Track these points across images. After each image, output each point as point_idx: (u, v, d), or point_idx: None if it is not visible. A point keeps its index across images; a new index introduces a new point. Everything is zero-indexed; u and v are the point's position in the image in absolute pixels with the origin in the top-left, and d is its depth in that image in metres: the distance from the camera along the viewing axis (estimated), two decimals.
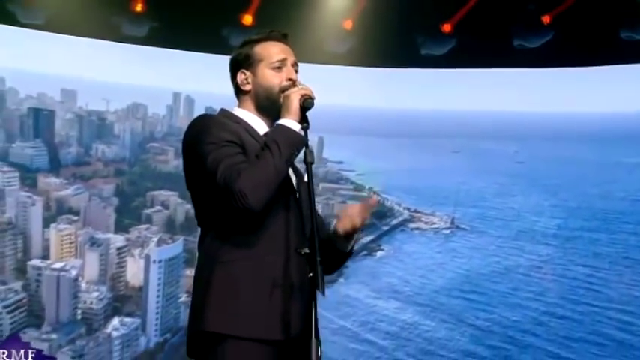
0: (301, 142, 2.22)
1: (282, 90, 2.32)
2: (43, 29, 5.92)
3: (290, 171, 2.33)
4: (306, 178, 2.26)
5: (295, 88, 2.29)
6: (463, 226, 8.39)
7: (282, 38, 2.45)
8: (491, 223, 8.33)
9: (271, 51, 2.40)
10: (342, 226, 2.38)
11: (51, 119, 7.76)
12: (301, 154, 2.24)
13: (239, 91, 2.44)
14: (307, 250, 2.16)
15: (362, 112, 8.08)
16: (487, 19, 5.80)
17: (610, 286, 7.43)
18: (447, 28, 5.90)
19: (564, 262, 7.79)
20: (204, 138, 2.21)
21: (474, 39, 5.97)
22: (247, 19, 5.80)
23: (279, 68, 2.37)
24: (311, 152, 2.22)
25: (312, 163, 2.20)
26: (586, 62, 6.36)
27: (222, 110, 2.43)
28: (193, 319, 2.26)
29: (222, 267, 2.22)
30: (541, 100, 7.57)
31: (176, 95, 8.14)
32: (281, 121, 2.24)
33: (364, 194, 8.61)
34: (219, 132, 2.22)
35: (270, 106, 2.36)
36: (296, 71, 2.41)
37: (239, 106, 2.44)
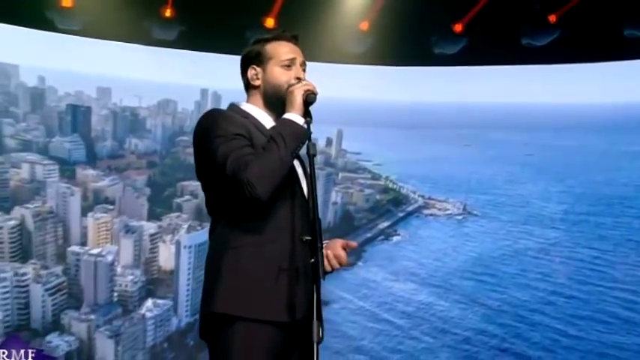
0: (305, 134, 2.28)
1: (289, 87, 2.39)
2: (79, 34, 6.08)
3: (296, 162, 2.41)
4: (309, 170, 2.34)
5: (299, 84, 2.35)
6: (475, 212, 8.44)
7: (292, 39, 2.52)
8: (502, 209, 8.37)
9: (281, 50, 2.46)
10: (331, 266, 2.45)
11: (87, 115, 7.90)
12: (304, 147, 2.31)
13: (249, 86, 2.51)
14: (309, 238, 2.24)
15: (378, 106, 8.17)
16: (496, 19, 5.93)
17: (615, 267, 7.52)
18: (458, 28, 6.01)
19: (571, 245, 7.87)
20: (214, 131, 2.28)
21: (484, 38, 6.09)
22: (269, 22, 5.93)
23: (288, 67, 2.44)
24: (314, 145, 2.27)
25: (314, 155, 2.26)
26: (590, 59, 6.43)
27: (232, 105, 2.49)
28: (205, 302, 2.35)
29: (231, 253, 2.31)
30: (548, 93, 7.63)
31: (204, 92, 8.24)
32: (286, 115, 2.31)
33: (381, 182, 8.77)
34: (227, 125, 2.29)
35: (277, 101, 2.42)
36: (304, 71, 2.48)
37: (247, 100, 2.51)
